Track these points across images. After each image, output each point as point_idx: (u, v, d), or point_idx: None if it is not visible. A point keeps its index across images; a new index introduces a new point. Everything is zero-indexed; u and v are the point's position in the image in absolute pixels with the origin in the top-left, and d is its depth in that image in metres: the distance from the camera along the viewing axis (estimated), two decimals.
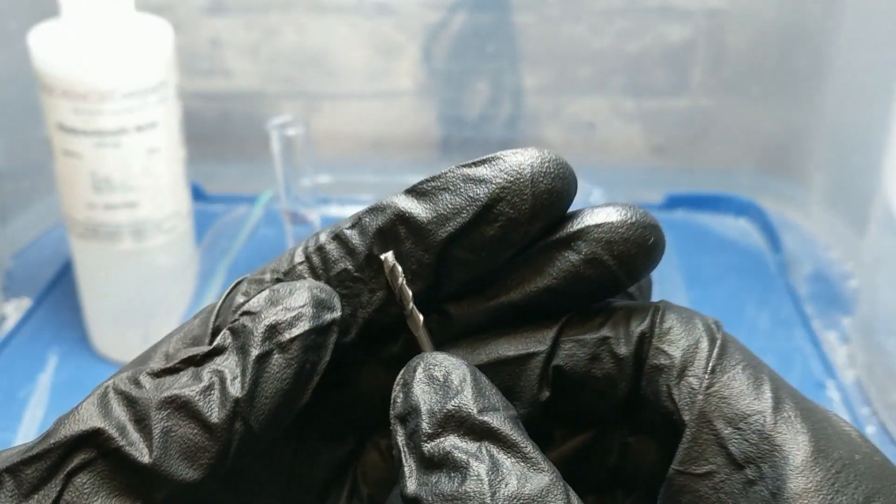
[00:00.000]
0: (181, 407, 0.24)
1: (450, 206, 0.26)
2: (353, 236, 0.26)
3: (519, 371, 0.26)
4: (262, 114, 0.85)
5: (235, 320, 0.25)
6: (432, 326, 0.27)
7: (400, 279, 0.26)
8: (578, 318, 0.27)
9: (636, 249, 0.26)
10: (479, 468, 0.22)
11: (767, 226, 0.80)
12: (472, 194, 0.26)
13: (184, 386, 0.24)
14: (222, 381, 0.24)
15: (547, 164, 0.25)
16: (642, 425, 0.27)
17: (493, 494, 0.22)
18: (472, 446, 0.23)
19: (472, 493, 0.22)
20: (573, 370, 0.26)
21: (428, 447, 0.23)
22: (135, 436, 0.24)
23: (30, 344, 0.66)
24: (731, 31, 0.80)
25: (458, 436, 0.23)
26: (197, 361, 0.25)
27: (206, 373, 0.24)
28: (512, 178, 0.25)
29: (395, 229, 0.26)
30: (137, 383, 0.25)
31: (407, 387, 0.24)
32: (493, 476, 0.22)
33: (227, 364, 0.25)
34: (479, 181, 0.26)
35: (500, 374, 0.26)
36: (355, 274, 0.26)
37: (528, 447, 0.23)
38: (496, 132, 0.85)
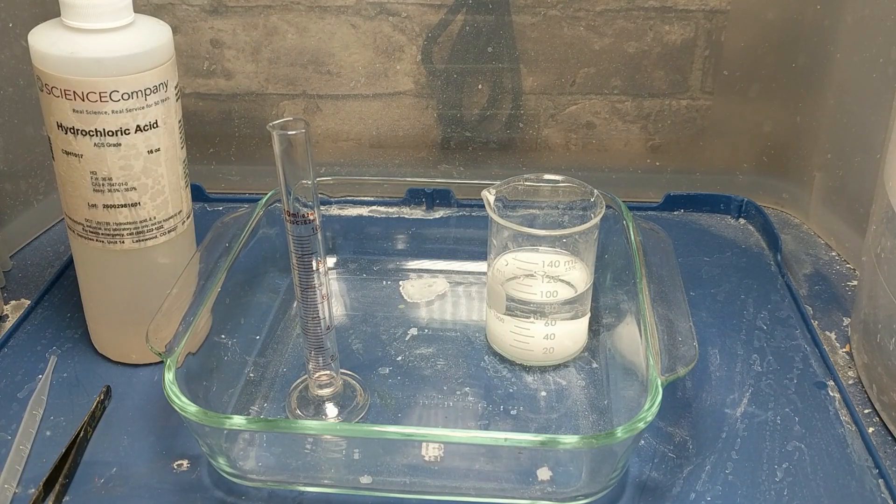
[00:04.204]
0: None
1: None
2: None
3: None
4: (263, 114, 0.85)
5: None
6: None
7: None
8: None
9: None
10: None
11: (767, 226, 0.80)
12: None
13: None
14: None
15: None
16: None
17: None
18: None
19: None
20: None
21: None
22: None
23: (30, 344, 0.66)
24: (731, 31, 0.80)
25: None
26: None
27: None
28: None
29: None
30: None
31: None
32: None
33: None
34: None
35: None
36: None
37: None
38: (496, 132, 0.85)
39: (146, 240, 0.59)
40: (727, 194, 0.84)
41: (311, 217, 0.52)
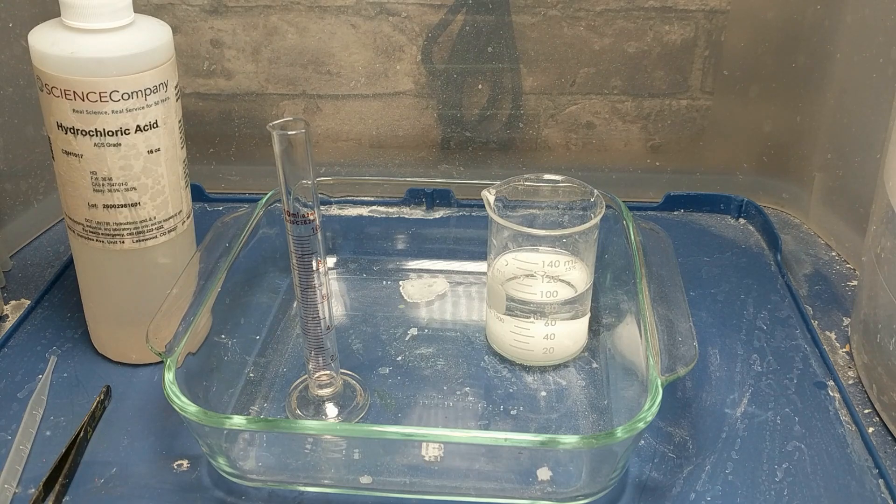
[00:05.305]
0: None
1: None
2: None
3: None
4: (263, 114, 0.85)
5: None
6: None
7: None
8: None
9: None
10: None
11: (767, 226, 0.80)
12: None
13: None
14: None
15: None
16: None
17: None
18: None
19: None
20: None
21: None
22: None
23: (30, 344, 0.66)
24: (731, 31, 0.80)
25: None
26: None
27: None
28: None
29: None
30: None
31: None
32: None
33: None
34: None
35: None
36: None
37: None
38: (496, 132, 0.85)
39: (146, 240, 0.59)
40: (727, 194, 0.84)
41: (311, 217, 0.52)
